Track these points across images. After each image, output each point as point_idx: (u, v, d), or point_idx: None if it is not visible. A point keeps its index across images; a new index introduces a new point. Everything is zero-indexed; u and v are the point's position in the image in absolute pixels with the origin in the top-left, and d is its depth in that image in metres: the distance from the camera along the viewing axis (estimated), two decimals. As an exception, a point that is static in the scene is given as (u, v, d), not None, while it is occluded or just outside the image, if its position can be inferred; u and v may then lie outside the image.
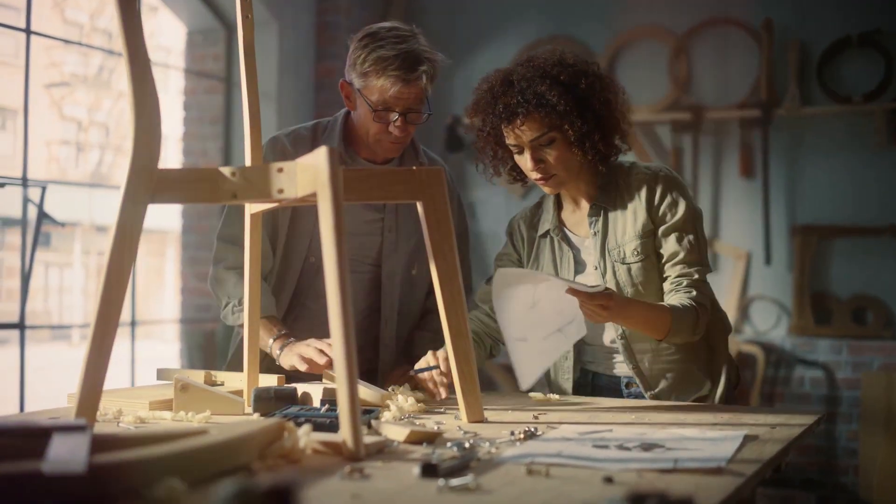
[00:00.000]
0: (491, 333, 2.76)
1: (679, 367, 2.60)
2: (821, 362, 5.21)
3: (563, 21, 5.82)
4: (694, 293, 2.48)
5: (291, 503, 0.97)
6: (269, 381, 2.40)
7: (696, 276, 2.52)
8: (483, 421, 2.14)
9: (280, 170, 1.88)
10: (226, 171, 1.92)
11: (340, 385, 1.70)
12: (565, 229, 2.69)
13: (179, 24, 5.91)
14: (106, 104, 16.20)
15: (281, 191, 1.88)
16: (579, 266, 2.65)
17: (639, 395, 2.64)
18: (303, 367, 2.48)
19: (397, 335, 2.82)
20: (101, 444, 1.51)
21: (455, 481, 1.47)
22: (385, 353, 2.80)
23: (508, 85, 2.52)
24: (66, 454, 1.35)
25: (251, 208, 2.29)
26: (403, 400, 2.27)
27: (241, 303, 2.60)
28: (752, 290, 5.43)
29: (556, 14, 5.84)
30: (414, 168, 2.08)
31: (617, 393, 2.66)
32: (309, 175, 1.82)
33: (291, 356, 2.51)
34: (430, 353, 2.51)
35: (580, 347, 2.70)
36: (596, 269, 2.60)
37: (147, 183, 1.90)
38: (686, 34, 5.54)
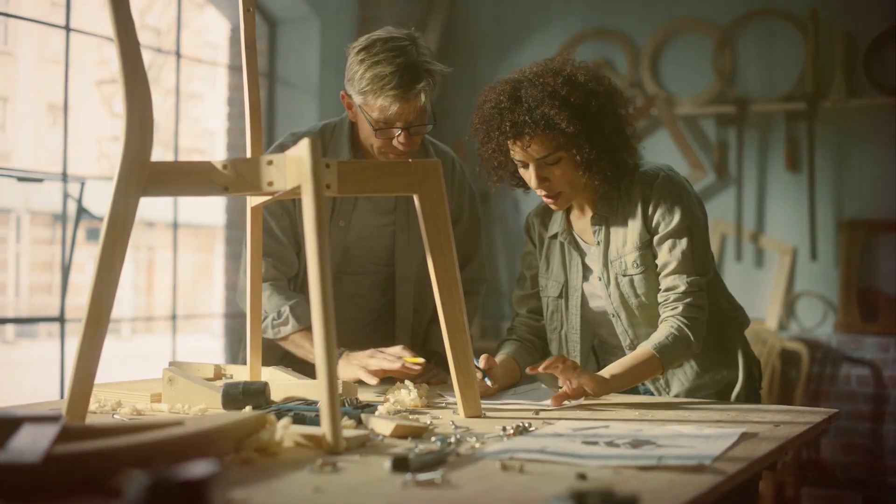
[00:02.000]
0: (539, 335, 2.74)
1: (691, 370, 2.55)
2: (867, 360, 5.11)
3: (606, 14, 5.77)
4: (680, 308, 2.42)
5: (205, 494, 0.96)
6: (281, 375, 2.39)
7: (683, 288, 2.43)
8: (480, 416, 2.11)
9: (270, 162, 1.88)
10: (217, 163, 1.92)
11: (321, 378, 1.68)
12: (574, 233, 2.64)
13: (223, 21, 5.94)
14: (155, 100, 16.38)
15: (271, 183, 1.88)
16: (586, 271, 2.60)
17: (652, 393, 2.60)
18: (373, 381, 2.49)
19: (413, 332, 2.81)
20: (73, 434, 1.51)
21: (422, 476, 1.45)
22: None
23: (516, 101, 2.43)
24: (26, 444, 1.35)
25: (251, 201, 2.29)
26: (405, 393, 2.26)
27: (279, 315, 2.63)
28: (798, 286, 5.33)
29: (600, 7, 5.79)
30: (410, 161, 2.07)
31: (632, 389, 2.63)
32: (295, 167, 1.81)
33: (353, 369, 2.51)
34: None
35: (599, 345, 2.67)
36: (600, 279, 2.56)
37: (139, 176, 1.90)
38: (730, 26, 5.46)
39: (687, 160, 5.49)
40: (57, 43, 15.36)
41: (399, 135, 2.52)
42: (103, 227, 1.89)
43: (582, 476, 1.49)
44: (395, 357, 2.50)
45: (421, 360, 2.47)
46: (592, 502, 1.11)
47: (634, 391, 2.61)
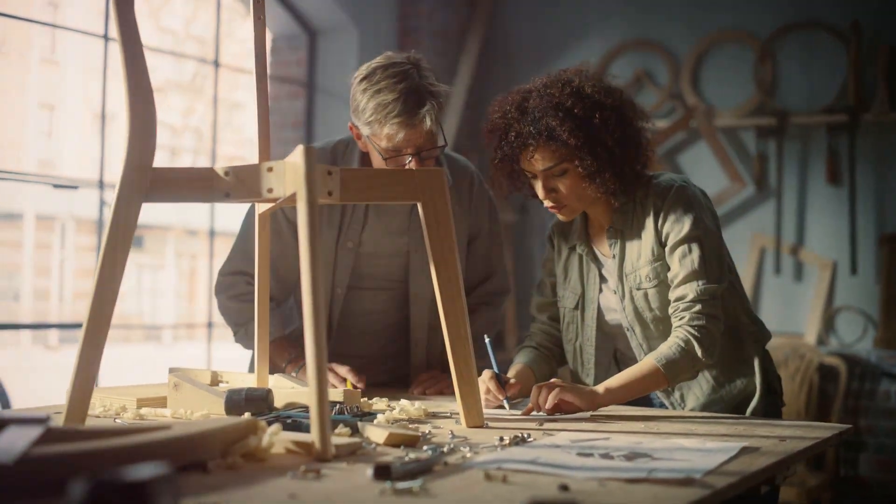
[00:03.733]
0: (556, 343, 2.72)
1: (707, 384, 2.52)
2: (908, 376, 5.02)
3: (647, 25, 5.74)
4: (687, 317, 2.37)
5: (148, 497, 0.96)
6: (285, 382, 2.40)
7: (692, 296, 2.39)
8: (482, 426, 2.10)
9: (270, 169, 1.88)
10: (219, 170, 1.93)
11: (311, 386, 1.68)
12: (592, 245, 2.62)
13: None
14: (199, 109, 16.64)
15: (270, 190, 1.89)
16: (603, 284, 2.58)
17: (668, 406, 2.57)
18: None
19: (428, 349, 2.79)
20: (58, 437, 1.52)
21: (401, 484, 1.44)
22: (416, 360, 2.78)
23: (522, 112, 2.43)
24: (3, 446, 1.36)
25: (258, 209, 2.30)
26: (409, 403, 2.25)
27: (248, 332, 2.69)
28: (838, 301, 5.25)
29: (640, 18, 5.75)
30: (413, 169, 2.06)
31: (646, 402, 2.60)
32: (293, 174, 1.81)
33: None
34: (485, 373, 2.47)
35: (620, 357, 2.64)
36: (615, 292, 2.54)
37: (141, 181, 1.92)
38: (771, 37, 5.40)
39: (726, 172, 5.44)
40: (103, 52, 15.60)
41: (410, 161, 2.47)
42: (105, 232, 1.91)
43: (564, 487, 1.47)
44: (340, 379, 2.53)
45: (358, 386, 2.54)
46: (550, 512, 1.09)
47: (649, 404, 2.59)
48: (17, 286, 17.50)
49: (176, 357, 13.34)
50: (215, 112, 5.55)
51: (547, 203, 2.48)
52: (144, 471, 0.99)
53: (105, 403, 2.18)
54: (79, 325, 4.89)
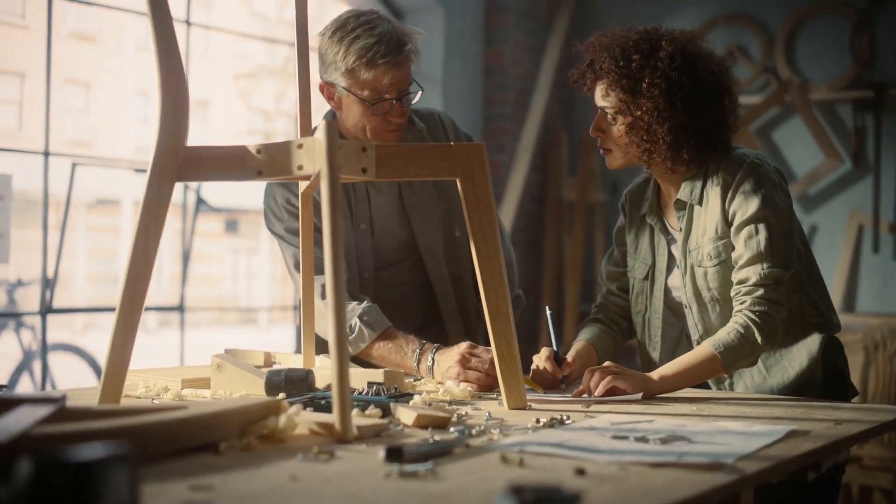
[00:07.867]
0: (625, 315, 2.65)
1: (759, 374, 2.41)
2: None
3: (738, -2, 5.58)
4: (748, 302, 2.27)
5: (95, 477, 0.94)
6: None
7: (755, 280, 2.27)
8: (524, 408, 2.04)
9: (300, 146, 1.86)
10: (251, 148, 1.91)
11: (333, 366, 1.65)
12: (663, 217, 2.53)
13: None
14: (291, 93, 16.83)
15: (300, 167, 1.86)
16: (671, 260, 2.50)
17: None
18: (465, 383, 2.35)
19: (459, 301, 2.73)
20: (73, 416, 1.52)
21: (409, 467, 1.40)
22: (451, 325, 2.71)
23: (603, 48, 2.40)
24: (6, 425, 1.36)
25: (301, 186, 2.28)
26: (454, 385, 2.21)
27: (352, 330, 2.49)
28: (940, 280, 5.05)
29: (732, -9, 5.60)
30: (452, 144, 2.01)
31: (706, 384, 2.51)
32: (320, 151, 1.78)
33: (449, 373, 2.37)
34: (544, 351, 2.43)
35: (684, 340, 2.55)
36: (677, 267, 2.45)
37: (174, 161, 1.90)
38: (867, 7, 5.19)
39: (822, 148, 5.25)
40: (194, 40, 15.77)
41: (393, 107, 2.49)
42: (138, 212, 1.90)
43: (580, 471, 1.41)
44: (486, 361, 2.34)
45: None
46: (528, 497, 1.04)
47: (704, 385, 2.49)
48: (116, 271, 17.90)
49: (270, 340, 13.51)
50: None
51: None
52: (95, 450, 0.96)
53: (148, 384, 2.18)
54: (176, 308, 5.01)
